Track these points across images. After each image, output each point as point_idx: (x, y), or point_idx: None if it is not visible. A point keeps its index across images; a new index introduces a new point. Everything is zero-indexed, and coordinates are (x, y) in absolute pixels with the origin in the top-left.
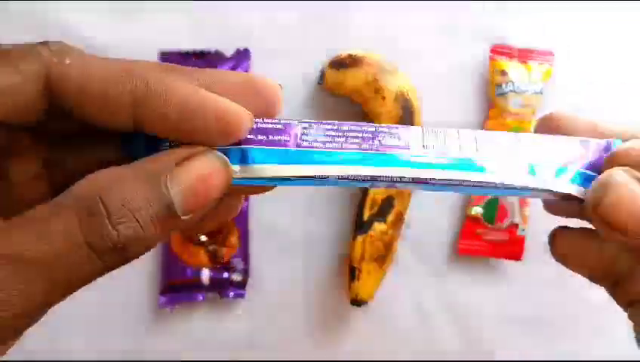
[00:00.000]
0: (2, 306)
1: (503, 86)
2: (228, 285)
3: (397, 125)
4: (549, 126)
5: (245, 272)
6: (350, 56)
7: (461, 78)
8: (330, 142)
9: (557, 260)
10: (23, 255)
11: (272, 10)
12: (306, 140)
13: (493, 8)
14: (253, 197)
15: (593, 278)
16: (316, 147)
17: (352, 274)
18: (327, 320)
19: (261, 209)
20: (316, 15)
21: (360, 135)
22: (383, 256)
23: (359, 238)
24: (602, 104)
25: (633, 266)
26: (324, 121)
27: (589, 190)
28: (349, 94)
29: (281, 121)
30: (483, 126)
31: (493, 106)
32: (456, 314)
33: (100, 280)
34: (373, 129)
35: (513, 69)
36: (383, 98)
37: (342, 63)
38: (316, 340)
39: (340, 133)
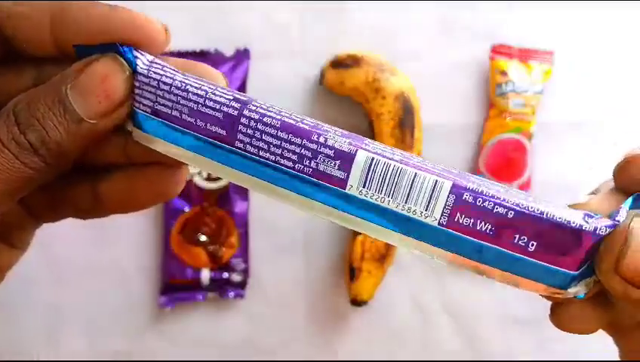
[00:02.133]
0: None
1: (503, 86)
2: (228, 285)
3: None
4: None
5: (245, 272)
6: (350, 56)
7: (461, 78)
8: (264, 149)
9: (557, 326)
10: None
11: (272, 10)
12: (242, 140)
13: (493, 8)
14: (253, 198)
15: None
16: (248, 151)
17: (352, 274)
18: (327, 320)
19: (261, 209)
20: (316, 15)
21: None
22: (383, 256)
23: (359, 238)
24: (602, 104)
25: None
26: (272, 114)
27: (601, 249)
28: (349, 94)
29: (232, 96)
30: (483, 126)
31: (493, 106)
32: (456, 314)
33: (99, 280)
34: (315, 146)
35: (513, 69)
36: (383, 98)
37: (342, 63)
38: (316, 340)
39: (278, 142)
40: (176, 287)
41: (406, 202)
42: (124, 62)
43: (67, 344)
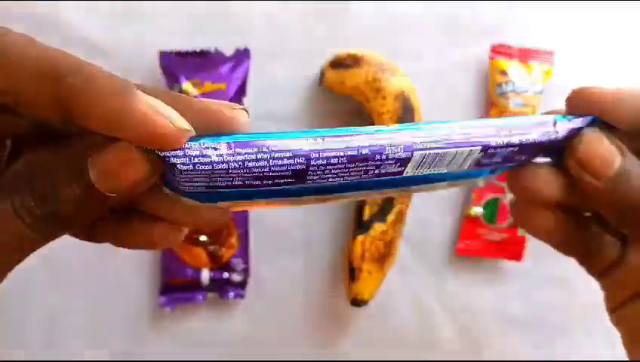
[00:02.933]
0: None
1: (503, 86)
2: (228, 285)
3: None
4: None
5: (245, 272)
6: (350, 56)
7: (461, 78)
8: (332, 177)
9: (518, 226)
10: None
11: (272, 10)
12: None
13: (493, 8)
14: None
15: (561, 249)
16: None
17: (352, 274)
18: (327, 320)
19: (261, 209)
20: (316, 15)
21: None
22: (383, 256)
23: (359, 238)
24: None
25: (598, 235)
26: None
27: (569, 142)
28: (349, 94)
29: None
30: None
31: (493, 106)
32: (456, 313)
33: (99, 280)
34: (378, 163)
35: (513, 68)
36: (384, 98)
37: (342, 63)
38: (316, 340)
39: (345, 170)
40: (176, 287)
41: (447, 166)
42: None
43: (67, 344)
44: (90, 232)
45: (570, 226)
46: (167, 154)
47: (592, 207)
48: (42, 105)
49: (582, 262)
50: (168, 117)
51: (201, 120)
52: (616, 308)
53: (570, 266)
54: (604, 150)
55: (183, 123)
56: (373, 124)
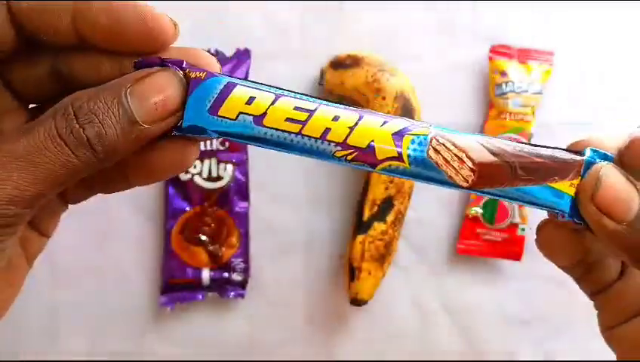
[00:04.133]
0: None
1: (503, 86)
2: (228, 285)
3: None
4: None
5: (245, 272)
6: (350, 56)
7: (461, 78)
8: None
9: (539, 248)
10: (11, 150)
11: (272, 10)
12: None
13: (493, 8)
14: (253, 198)
15: (566, 268)
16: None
17: (352, 274)
18: (327, 320)
19: (261, 209)
20: (316, 15)
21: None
22: (383, 256)
23: (359, 238)
24: (602, 104)
25: (602, 257)
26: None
27: (582, 182)
28: (349, 94)
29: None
30: (483, 126)
31: (492, 106)
32: (456, 313)
33: (100, 279)
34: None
35: (513, 69)
36: (383, 98)
37: (342, 63)
38: (316, 340)
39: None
40: (176, 287)
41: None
42: (182, 77)
43: (67, 344)
44: (122, 177)
45: (586, 248)
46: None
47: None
48: (57, 19)
49: (578, 280)
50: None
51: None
52: (611, 327)
53: None
54: (625, 193)
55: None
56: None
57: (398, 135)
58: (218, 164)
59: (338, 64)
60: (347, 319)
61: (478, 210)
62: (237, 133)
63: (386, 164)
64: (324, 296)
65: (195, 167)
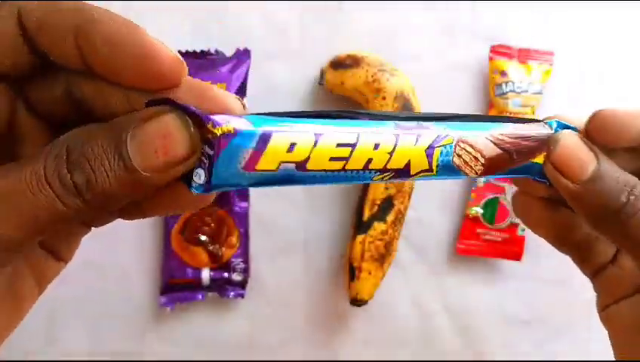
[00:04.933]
0: None
1: (503, 86)
2: (228, 285)
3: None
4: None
5: (245, 272)
6: (350, 56)
7: (461, 79)
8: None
9: (517, 217)
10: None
11: (271, 10)
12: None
13: (493, 9)
14: (253, 198)
15: (556, 245)
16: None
17: (352, 274)
18: (327, 320)
19: (261, 209)
20: (316, 15)
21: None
22: (383, 256)
23: (359, 238)
24: (602, 104)
25: (590, 236)
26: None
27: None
28: (349, 94)
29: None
30: None
31: (492, 106)
32: (456, 313)
33: (100, 280)
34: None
35: (513, 69)
36: (383, 98)
37: (342, 63)
38: (316, 340)
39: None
40: (176, 287)
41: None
42: (189, 121)
43: (67, 344)
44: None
45: (566, 223)
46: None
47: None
48: (60, 37)
49: (577, 261)
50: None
51: (208, 105)
52: (605, 307)
53: (570, 266)
54: (579, 153)
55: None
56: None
57: (430, 149)
58: None
59: (338, 64)
60: (347, 319)
61: (478, 210)
62: (278, 180)
63: (418, 175)
64: (324, 296)
65: None
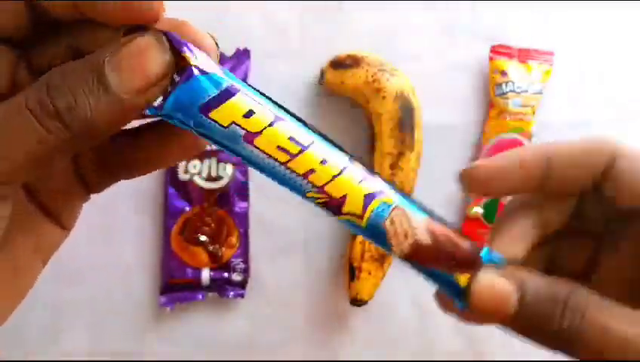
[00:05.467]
0: None
1: (503, 86)
2: (228, 285)
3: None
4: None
5: (245, 272)
6: (350, 56)
7: (461, 78)
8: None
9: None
10: None
11: (271, 10)
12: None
13: (493, 9)
14: (253, 198)
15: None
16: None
17: (352, 274)
18: (327, 320)
19: (261, 209)
20: (316, 15)
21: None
22: (383, 256)
23: (359, 238)
24: (602, 104)
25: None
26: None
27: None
28: (349, 94)
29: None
30: (483, 126)
31: (493, 106)
32: None
33: (100, 280)
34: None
35: (513, 69)
36: (383, 98)
37: (342, 63)
38: (316, 340)
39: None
40: (176, 287)
41: None
42: (166, 43)
43: (67, 344)
44: (101, 157)
45: None
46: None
47: None
48: None
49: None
50: None
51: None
52: None
53: None
54: (496, 293)
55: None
56: (372, 124)
57: (369, 197)
58: (218, 163)
59: (338, 64)
60: (347, 319)
61: (478, 210)
62: (220, 140)
63: (347, 217)
64: (324, 296)
65: (194, 167)
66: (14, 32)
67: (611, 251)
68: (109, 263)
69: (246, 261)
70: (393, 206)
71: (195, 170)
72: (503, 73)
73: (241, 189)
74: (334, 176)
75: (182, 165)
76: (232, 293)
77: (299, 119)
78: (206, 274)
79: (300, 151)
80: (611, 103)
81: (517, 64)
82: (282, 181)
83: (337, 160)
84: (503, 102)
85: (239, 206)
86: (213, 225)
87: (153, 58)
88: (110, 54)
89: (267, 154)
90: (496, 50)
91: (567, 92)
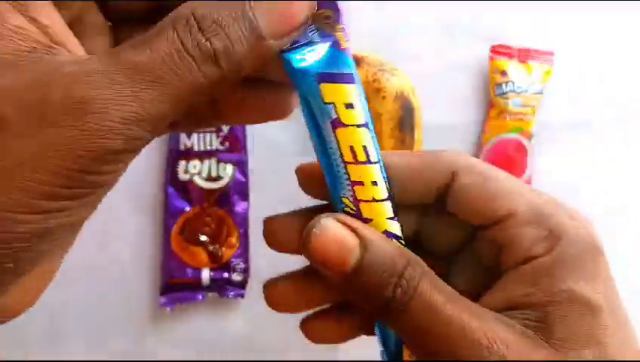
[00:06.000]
0: (117, 106)
1: (503, 86)
2: (228, 285)
3: None
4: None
5: (245, 272)
6: None
7: (461, 79)
8: None
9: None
10: (135, 63)
11: None
12: None
13: (493, 9)
14: (253, 198)
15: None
16: None
17: None
18: None
19: (261, 209)
20: None
21: None
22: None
23: None
24: (602, 104)
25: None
26: None
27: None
28: None
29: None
30: (483, 126)
31: (493, 106)
32: None
33: (100, 280)
34: None
35: (513, 68)
36: (383, 98)
37: None
38: None
39: None
40: (176, 287)
41: None
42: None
43: (67, 344)
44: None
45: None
46: None
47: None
48: None
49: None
50: None
51: None
52: None
53: None
54: (338, 243)
55: None
56: (372, 123)
57: (387, 234)
58: (218, 164)
59: None
60: None
61: None
62: (310, 106)
63: None
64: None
65: (194, 167)
66: None
67: (458, 267)
68: (109, 263)
69: (246, 261)
70: None
71: (195, 170)
72: (503, 73)
73: (241, 189)
74: (374, 199)
75: (182, 165)
76: (232, 293)
77: (376, 141)
78: (206, 274)
79: (364, 162)
80: (611, 103)
81: (517, 64)
82: (330, 173)
83: (384, 190)
84: (503, 102)
85: (239, 206)
86: (213, 225)
87: (299, 8)
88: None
89: (339, 146)
90: (496, 50)
91: (567, 92)
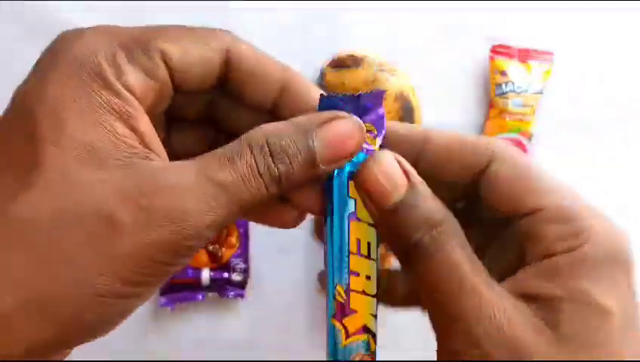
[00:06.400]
0: (206, 216)
1: (503, 86)
2: (228, 285)
3: None
4: None
5: (245, 272)
6: (350, 56)
7: (461, 78)
8: None
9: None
10: (222, 182)
11: (272, 10)
12: None
13: (493, 8)
14: None
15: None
16: None
17: None
18: None
19: None
20: (316, 15)
21: None
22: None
23: None
24: (602, 104)
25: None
26: None
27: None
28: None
29: None
30: (483, 126)
31: (493, 106)
32: None
33: None
34: None
35: (513, 68)
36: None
37: (342, 64)
38: (316, 340)
39: None
40: (176, 287)
41: None
42: (360, 121)
43: None
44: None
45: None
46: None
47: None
48: (264, 91)
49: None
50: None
51: None
52: None
53: None
54: (388, 177)
55: None
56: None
57: (365, 329)
58: None
59: (338, 64)
60: None
61: None
62: (334, 197)
63: (340, 327)
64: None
65: None
66: (205, 88)
67: (492, 249)
68: None
69: (246, 261)
70: (371, 352)
71: None
72: (503, 73)
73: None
74: (364, 292)
75: None
76: (232, 293)
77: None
78: (206, 274)
79: (365, 256)
80: (611, 103)
81: (517, 64)
82: (332, 256)
83: (374, 287)
84: (503, 102)
85: None
86: None
87: (352, 142)
88: (318, 129)
89: (348, 236)
90: (496, 50)
91: (567, 92)
